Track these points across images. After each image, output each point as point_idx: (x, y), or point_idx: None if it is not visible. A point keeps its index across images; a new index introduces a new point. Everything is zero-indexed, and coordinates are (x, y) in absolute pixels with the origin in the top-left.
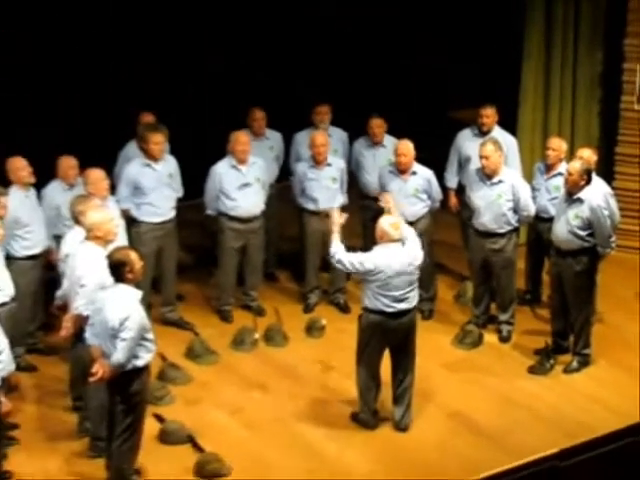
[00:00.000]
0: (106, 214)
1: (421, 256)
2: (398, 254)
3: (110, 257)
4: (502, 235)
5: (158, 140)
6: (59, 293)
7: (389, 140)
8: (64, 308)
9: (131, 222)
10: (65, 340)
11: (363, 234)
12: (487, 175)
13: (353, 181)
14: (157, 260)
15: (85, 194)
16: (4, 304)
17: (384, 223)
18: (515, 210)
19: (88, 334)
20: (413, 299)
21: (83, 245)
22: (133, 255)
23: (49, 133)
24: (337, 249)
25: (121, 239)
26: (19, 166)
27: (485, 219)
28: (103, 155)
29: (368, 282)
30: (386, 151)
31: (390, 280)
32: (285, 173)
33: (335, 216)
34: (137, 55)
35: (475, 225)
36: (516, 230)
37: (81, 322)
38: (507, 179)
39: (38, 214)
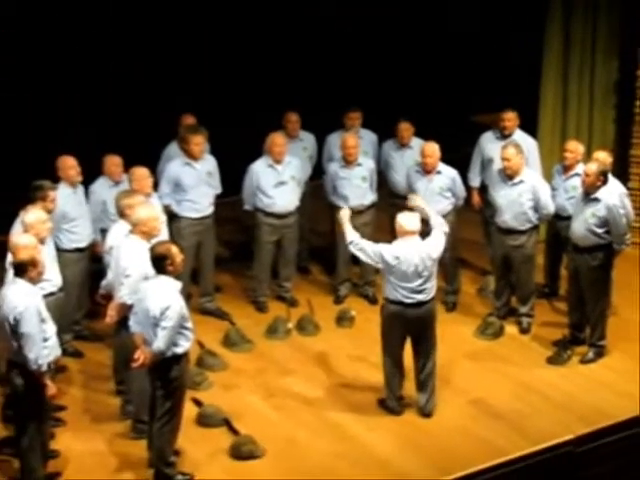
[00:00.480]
0: (153, 212)
1: (440, 250)
2: (415, 247)
3: (152, 250)
4: (522, 232)
5: (198, 141)
6: (103, 283)
7: (416, 142)
8: (108, 297)
9: (172, 217)
10: (109, 327)
11: (392, 228)
12: (509, 176)
13: (382, 180)
14: (196, 253)
15: (129, 190)
16: (52, 294)
17: (400, 218)
18: (535, 209)
19: (131, 322)
20: (430, 291)
21: (128, 238)
22: (174, 249)
23: (97, 133)
24: (353, 237)
25: (163, 233)
26: (69, 165)
27: (506, 217)
28: (147, 154)
29: (388, 273)
30: (413, 152)
31: (408, 272)
32: (318, 172)
33: (342, 212)
34: (180, 60)
35: (497, 222)
36: (536, 228)
37: (125, 310)
38: (528, 179)
39: (84, 209)
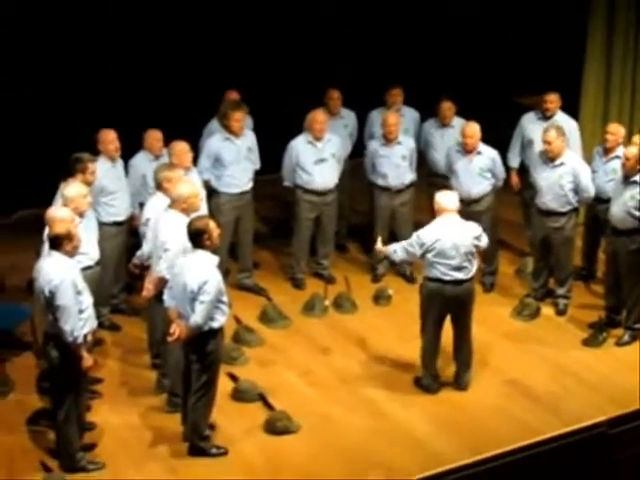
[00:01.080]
0: (194, 188)
1: (480, 230)
2: (453, 225)
3: (190, 225)
4: (562, 214)
5: (238, 117)
6: (138, 253)
7: (457, 121)
8: (142, 267)
9: (211, 192)
10: (146, 301)
11: (431, 208)
12: (550, 158)
13: (422, 160)
14: (235, 229)
15: (169, 163)
16: (89, 267)
17: (438, 197)
18: (575, 191)
19: (166, 296)
20: (470, 270)
21: (167, 213)
22: (211, 224)
23: (140, 107)
24: (394, 255)
25: (202, 209)
26: (108, 139)
27: (547, 199)
28: (189, 130)
29: (427, 252)
30: (454, 132)
31: (446, 249)
32: (359, 150)
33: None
34: (225, 36)
35: (537, 204)
36: (576, 210)
37: (162, 285)
38: (569, 162)
39: (123, 183)
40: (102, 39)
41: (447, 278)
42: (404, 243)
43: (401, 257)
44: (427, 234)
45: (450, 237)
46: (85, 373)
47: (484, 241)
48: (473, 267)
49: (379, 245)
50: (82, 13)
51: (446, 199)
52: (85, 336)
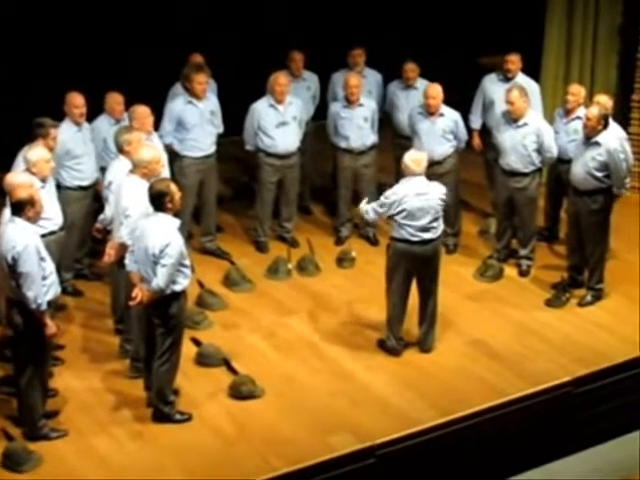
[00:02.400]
0: (156, 154)
1: (445, 191)
2: (420, 186)
3: (151, 188)
4: (526, 174)
5: (201, 80)
6: (101, 217)
7: (421, 83)
8: (104, 231)
9: (173, 156)
10: (107, 266)
11: (396, 169)
12: (513, 118)
13: (387, 121)
14: (198, 192)
15: (128, 126)
16: (52, 232)
17: (406, 158)
18: (539, 151)
19: (128, 260)
20: (437, 230)
21: (129, 178)
22: (173, 186)
23: (103, 70)
24: (366, 215)
25: (164, 173)
26: (75, 103)
27: (510, 159)
28: (152, 93)
29: (396, 213)
30: (418, 93)
31: (414, 210)
32: (322, 112)
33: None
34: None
35: (501, 164)
36: (539, 170)
37: (124, 251)
38: (532, 122)
39: (90, 148)
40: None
41: (415, 239)
42: (374, 204)
43: (372, 218)
44: (394, 195)
45: (418, 198)
46: (48, 339)
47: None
48: (440, 226)
49: (363, 205)
50: None
51: (413, 160)
52: (49, 302)
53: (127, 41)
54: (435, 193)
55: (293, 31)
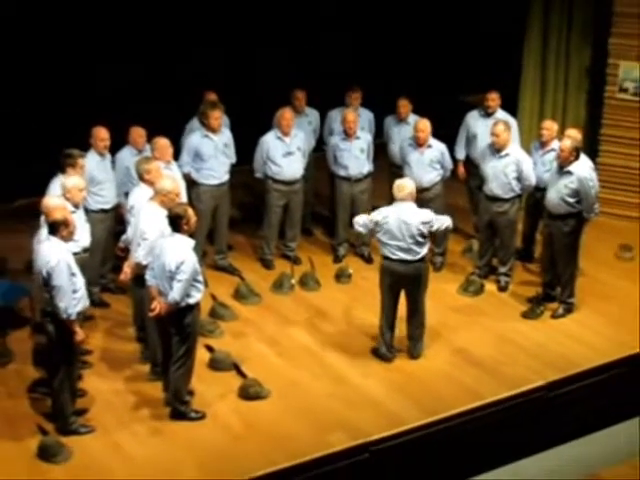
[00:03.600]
0: (176, 185)
1: (429, 218)
2: (405, 210)
3: (171, 210)
4: (506, 200)
5: (217, 115)
6: (123, 237)
7: (413, 118)
8: (126, 250)
9: (191, 184)
10: (123, 283)
11: (390, 195)
12: (496, 149)
13: (384, 152)
14: (212, 216)
15: (148, 156)
16: (76, 254)
17: (395, 184)
18: (518, 179)
19: (148, 276)
20: (418, 253)
21: (149, 204)
22: (190, 211)
23: (127, 107)
24: (356, 225)
25: (181, 199)
26: (101, 136)
27: (492, 186)
28: (172, 127)
29: (378, 232)
30: (410, 127)
31: (392, 229)
32: (320, 144)
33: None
34: (203, 43)
35: (484, 190)
36: (519, 197)
37: (139, 269)
38: (513, 153)
39: (110, 175)
40: (97, 44)
41: (394, 257)
42: (365, 217)
43: (359, 229)
44: (379, 214)
45: (398, 219)
46: (78, 346)
47: (436, 225)
48: (422, 250)
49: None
50: (78, 15)
51: (400, 187)
52: (78, 313)
53: (149, 80)
54: (417, 218)
55: (296, 72)
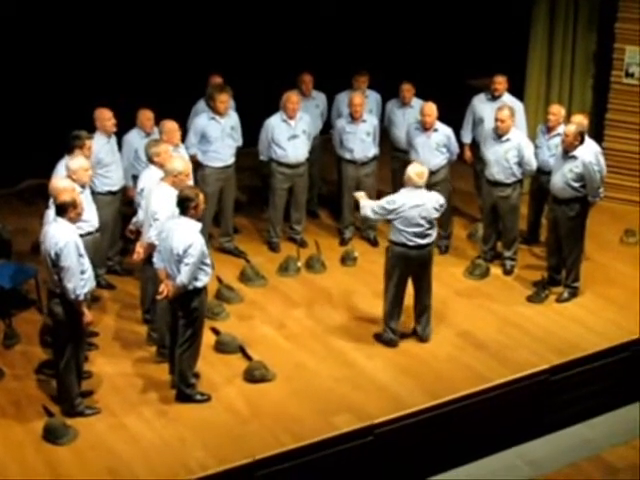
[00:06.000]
0: (187, 166)
1: (442, 201)
2: (420, 196)
3: (181, 192)
4: (508, 185)
5: (223, 99)
6: (134, 220)
7: (416, 102)
8: (136, 232)
9: (197, 166)
10: (136, 263)
11: (392, 180)
12: (499, 134)
13: (385, 136)
14: (218, 198)
15: (157, 139)
16: (89, 233)
17: (410, 171)
18: (519, 164)
19: (155, 259)
20: (432, 236)
21: (159, 185)
22: (201, 196)
23: (134, 91)
24: (362, 210)
25: (188, 183)
26: (106, 117)
27: (494, 170)
28: (179, 109)
29: (394, 220)
30: (414, 111)
31: (412, 217)
32: (328, 127)
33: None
34: (209, 27)
35: (486, 175)
36: (520, 181)
37: (152, 249)
38: (514, 138)
39: (117, 156)
40: (104, 26)
41: (412, 244)
42: (374, 205)
43: (365, 214)
44: (394, 204)
45: (416, 206)
46: (84, 328)
47: (443, 209)
48: (434, 232)
49: (363, 196)
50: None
51: (417, 174)
52: (86, 294)
53: (156, 62)
54: (431, 203)
55: (304, 55)
